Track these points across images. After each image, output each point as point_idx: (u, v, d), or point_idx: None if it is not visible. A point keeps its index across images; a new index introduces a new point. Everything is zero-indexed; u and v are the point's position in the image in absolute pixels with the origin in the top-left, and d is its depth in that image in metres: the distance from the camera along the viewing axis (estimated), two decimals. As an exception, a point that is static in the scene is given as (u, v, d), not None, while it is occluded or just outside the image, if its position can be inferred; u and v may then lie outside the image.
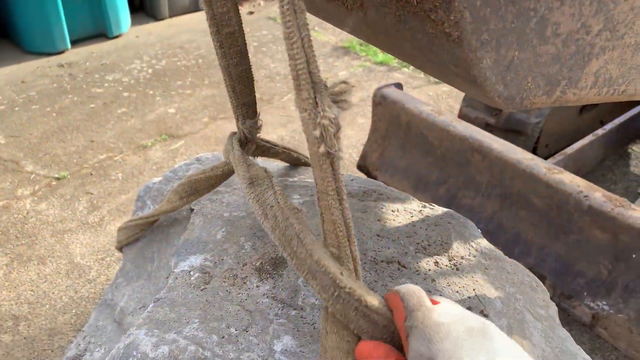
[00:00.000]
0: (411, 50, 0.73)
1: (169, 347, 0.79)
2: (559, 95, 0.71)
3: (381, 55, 4.16)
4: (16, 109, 3.47)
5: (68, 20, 4.06)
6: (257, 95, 1.04)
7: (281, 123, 3.36)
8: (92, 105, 3.52)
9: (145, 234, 1.20)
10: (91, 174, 2.91)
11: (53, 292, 2.24)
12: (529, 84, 0.67)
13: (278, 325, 0.84)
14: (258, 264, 0.95)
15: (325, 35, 4.60)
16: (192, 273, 0.94)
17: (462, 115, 2.57)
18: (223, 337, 0.81)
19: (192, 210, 1.13)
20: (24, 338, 2.05)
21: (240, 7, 0.92)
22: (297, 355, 0.79)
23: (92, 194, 2.78)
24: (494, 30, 0.61)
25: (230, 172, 1.07)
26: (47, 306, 2.18)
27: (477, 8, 0.58)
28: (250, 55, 0.98)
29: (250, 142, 1.05)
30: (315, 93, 0.60)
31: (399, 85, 2.38)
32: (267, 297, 0.88)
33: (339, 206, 0.65)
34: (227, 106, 3.52)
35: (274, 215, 0.75)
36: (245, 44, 0.95)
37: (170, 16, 4.76)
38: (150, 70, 3.95)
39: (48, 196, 2.75)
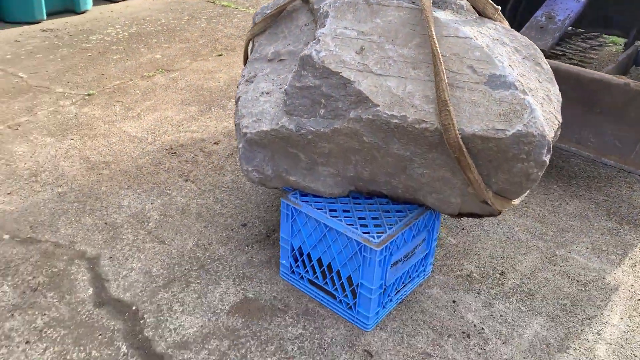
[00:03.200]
0: None
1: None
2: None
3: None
4: (22, 57, 4.15)
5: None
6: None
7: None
8: (89, 54, 4.30)
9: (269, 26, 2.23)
10: (114, 92, 3.73)
11: (125, 150, 3.08)
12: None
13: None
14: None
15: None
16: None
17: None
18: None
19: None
20: (118, 171, 2.88)
21: None
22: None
23: (122, 102, 3.61)
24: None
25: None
26: (125, 156, 3.02)
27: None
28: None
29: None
30: None
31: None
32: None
33: None
34: (202, 52, 4.48)
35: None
36: None
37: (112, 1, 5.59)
38: (126, 34, 4.79)
39: (86, 104, 3.54)
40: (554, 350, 1.99)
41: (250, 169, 1.96)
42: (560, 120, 1.73)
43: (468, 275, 2.33)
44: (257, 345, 1.94)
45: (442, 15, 1.75)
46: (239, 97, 2.01)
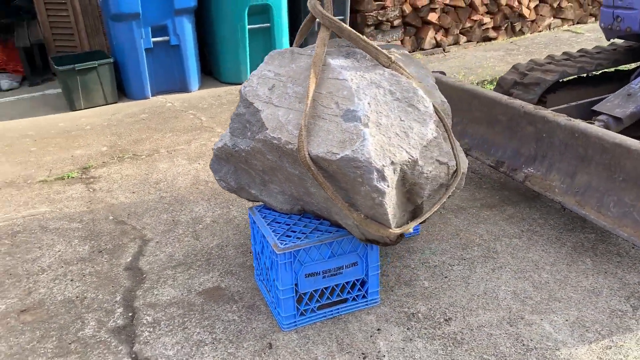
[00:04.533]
0: None
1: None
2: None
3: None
4: (214, 107, 5.45)
5: (251, 63, 6.15)
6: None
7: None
8: (259, 107, 5.39)
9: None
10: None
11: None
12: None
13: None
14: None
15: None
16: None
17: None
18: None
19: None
20: (210, 189, 3.70)
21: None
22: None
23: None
24: None
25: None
26: (223, 179, 3.84)
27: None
28: None
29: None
30: None
31: (443, 73, 3.83)
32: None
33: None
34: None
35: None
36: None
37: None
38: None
39: (228, 142, 4.52)
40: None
41: (217, 178, 2.52)
42: (415, 156, 1.87)
43: (413, 314, 2.40)
44: (198, 317, 2.44)
45: (335, 61, 2.09)
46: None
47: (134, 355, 2.25)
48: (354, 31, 2.09)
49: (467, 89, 3.40)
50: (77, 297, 2.63)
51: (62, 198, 3.63)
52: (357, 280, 2.40)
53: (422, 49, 7.10)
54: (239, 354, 2.22)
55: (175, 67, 5.89)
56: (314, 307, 2.36)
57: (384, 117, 1.90)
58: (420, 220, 2.04)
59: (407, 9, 6.79)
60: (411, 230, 2.06)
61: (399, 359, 2.15)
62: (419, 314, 2.40)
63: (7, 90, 6.32)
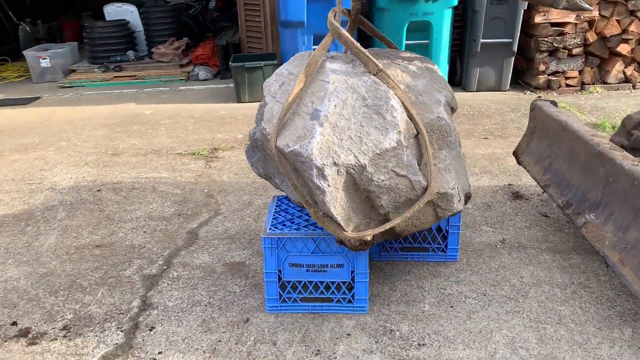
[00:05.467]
0: None
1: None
2: None
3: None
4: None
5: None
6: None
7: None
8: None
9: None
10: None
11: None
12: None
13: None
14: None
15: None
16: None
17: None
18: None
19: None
20: (299, 183, 3.96)
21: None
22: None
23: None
24: None
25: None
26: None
27: None
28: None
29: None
30: None
31: (554, 103, 3.50)
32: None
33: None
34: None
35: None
36: None
37: (477, 90, 6.48)
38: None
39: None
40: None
41: (250, 164, 2.77)
42: (363, 162, 1.87)
43: (391, 331, 2.35)
44: (210, 282, 2.74)
45: (331, 65, 2.17)
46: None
47: (144, 299, 2.63)
48: (350, 37, 2.15)
49: (560, 120, 3.08)
50: (139, 245, 3.14)
51: (183, 169, 4.26)
52: (344, 283, 2.44)
53: (605, 83, 6.36)
54: (219, 319, 2.45)
55: (332, 73, 6.30)
56: (297, 297, 2.47)
57: (344, 120, 1.94)
58: (376, 231, 2.02)
59: (592, 37, 6.16)
60: (368, 238, 2.05)
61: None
62: (397, 332, 2.34)
63: (203, 80, 7.46)
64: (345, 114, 1.97)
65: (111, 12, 8.56)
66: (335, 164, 1.90)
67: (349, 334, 2.34)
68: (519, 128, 4.99)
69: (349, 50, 2.17)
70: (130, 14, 8.47)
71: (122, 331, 2.40)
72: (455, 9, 6.65)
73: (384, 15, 6.07)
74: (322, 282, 2.45)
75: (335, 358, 2.20)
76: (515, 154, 3.65)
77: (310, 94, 2.11)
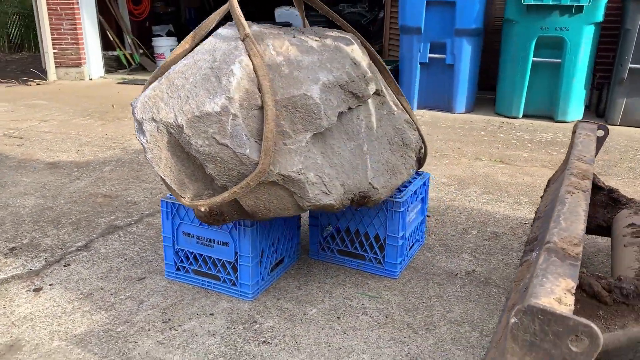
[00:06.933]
0: None
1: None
2: None
3: None
4: (455, 130, 5.29)
5: (527, 99, 5.58)
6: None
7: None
8: (481, 138, 4.94)
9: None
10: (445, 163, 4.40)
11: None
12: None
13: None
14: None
15: None
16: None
17: None
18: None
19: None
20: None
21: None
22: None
23: (424, 162, 4.28)
24: None
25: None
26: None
27: None
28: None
29: None
30: None
31: (605, 128, 2.81)
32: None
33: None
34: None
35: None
36: None
37: (620, 124, 5.46)
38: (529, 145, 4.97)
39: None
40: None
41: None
42: (180, 122, 1.77)
43: (253, 322, 2.18)
44: (150, 243, 2.84)
45: (223, 30, 2.08)
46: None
47: (88, 243, 2.85)
48: (233, 1, 2.03)
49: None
50: (135, 201, 3.39)
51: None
52: (229, 263, 2.33)
53: None
54: (122, 272, 2.54)
55: (446, 86, 5.93)
56: (189, 267, 2.43)
57: (183, 78, 1.86)
58: (209, 202, 1.88)
59: None
60: (202, 209, 1.93)
61: (183, 336, 2.06)
62: (257, 326, 2.15)
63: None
64: (188, 73, 1.90)
65: (280, 14, 9.26)
66: (153, 119, 1.84)
67: (212, 314, 2.23)
68: None
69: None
70: (294, 17, 9.05)
71: (45, 261, 2.65)
72: (607, 27, 5.76)
73: (511, 27, 5.54)
74: (209, 258, 2.37)
75: (176, 330, 2.12)
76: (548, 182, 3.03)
77: (188, 56, 2.08)
